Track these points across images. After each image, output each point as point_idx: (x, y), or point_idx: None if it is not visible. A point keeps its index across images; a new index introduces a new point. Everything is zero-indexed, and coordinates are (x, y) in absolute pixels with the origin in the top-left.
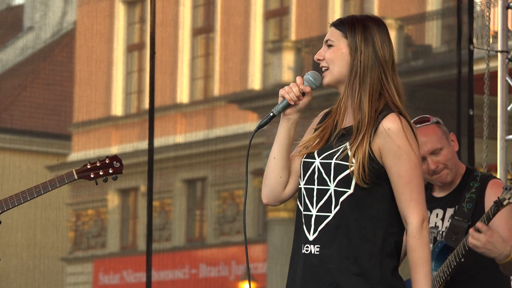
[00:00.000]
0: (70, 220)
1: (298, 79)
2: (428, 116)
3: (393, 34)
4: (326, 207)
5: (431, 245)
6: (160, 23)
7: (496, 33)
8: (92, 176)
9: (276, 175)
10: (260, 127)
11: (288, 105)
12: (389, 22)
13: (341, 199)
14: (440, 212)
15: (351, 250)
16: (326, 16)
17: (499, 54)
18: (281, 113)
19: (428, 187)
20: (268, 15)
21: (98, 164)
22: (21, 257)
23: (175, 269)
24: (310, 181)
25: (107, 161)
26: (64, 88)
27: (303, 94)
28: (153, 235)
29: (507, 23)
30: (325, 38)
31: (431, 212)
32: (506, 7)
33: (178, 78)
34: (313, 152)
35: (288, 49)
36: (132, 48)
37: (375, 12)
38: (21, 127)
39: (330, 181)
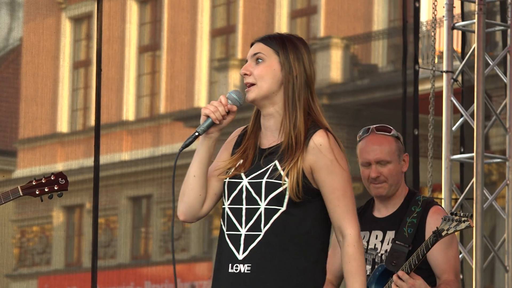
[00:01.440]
0: (15, 236)
1: (223, 98)
2: (391, 128)
3: (339, 53)
4: (256, 226)
5: (370, 267)
6: (107, 40)
7: (442, 53)
8: (37, 192)
9: (195, 192)
10: (185, 146)
11: (212, 124)
12: (335, 41)
13: (274, 217)
14: (380, 234)
15: (285, 267)
16: None
17: (444, 75)
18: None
19: (370, 206)
20: (215, 33)
21: (43, 181)
22: None
23: (120, 286)
24: (237, 201)
25: (52, 178)
26: (10, 104)
27: (227, 112)
28: (98, 252)
29: (452, 43)
30: (252, 52)
31: (370, 233)
32: (451, 28)
33: (124, 95)
34: (240, 173)
35: (235, 67)
36: (78, 65)
37: (321, 31)
38: None
39: (260, 200)
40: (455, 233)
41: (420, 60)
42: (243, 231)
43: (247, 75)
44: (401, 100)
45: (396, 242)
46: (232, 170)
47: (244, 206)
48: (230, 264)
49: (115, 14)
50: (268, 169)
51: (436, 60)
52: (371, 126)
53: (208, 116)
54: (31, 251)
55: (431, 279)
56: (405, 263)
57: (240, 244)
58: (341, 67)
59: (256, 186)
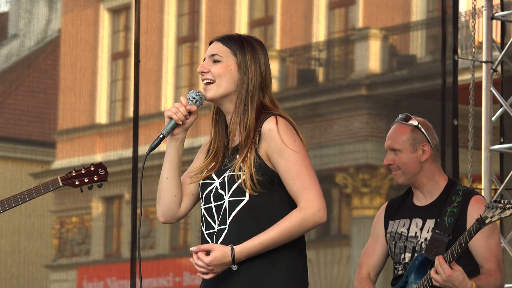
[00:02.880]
0: (55, 227)
1: (183, 99)
2: (411, 117)
3: (377, 44)
4: (224, 220)
5: (410, 255)
6: (145, 31)
7: (481, 43)
8: (77, 183)
9: (171, 194)
10: (151, 149)
11: (176, 125)
12: (374, 32)
13: (237, 208)
14: (419, 222)
15: (253, 257)
16: (311, 26)
17: (483, 65)
18: (169, 134)
19: (409, 194)
20: (253, 24)
21: (83, 172)
22: (5, 264)
23: (159, 277)
24: (207, 200)
25: (92, 169)
26: (49, 95)
27: (190, 113)
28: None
29: (491, 33)
30: (210, 52)
31: (411, 221)
32: (490, 18)
33: (162, 86)
34: (211, 175)
35: (273, 58)
36: (117, 56)
37: (360, 21)
38: (5, 135)
39: (225, 194)
40: (497, 221)
41: (459, 50)
42: (216, 227)
43: (205, 72)
44: (440, 90)
45: (436, 231)
46: (204, 172)
47: (213, 204)
48: None
49: (153, 5)
50: (231, 165)
51: (475, 50)
52: (399, 115)
53: (171, 118)
54: (70, 242)
55: (471, 268)
56: (446, 251)
57: (213, 240)
58: (379, 57)
59: (222, 183)
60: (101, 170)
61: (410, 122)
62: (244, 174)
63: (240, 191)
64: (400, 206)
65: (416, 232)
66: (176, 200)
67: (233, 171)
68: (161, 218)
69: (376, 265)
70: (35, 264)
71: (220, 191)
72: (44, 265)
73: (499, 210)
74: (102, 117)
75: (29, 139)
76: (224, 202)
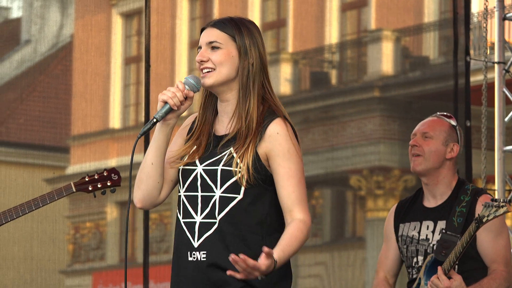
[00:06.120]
0: (69, 232)
1: (180, 84)
2: (452, 116)
3: (390, 46)
4: (211, 214)
5: (422, 258)
6: (156, 36)
7: (493, 44)
8: (90, 188)
9: (154, 180)
10: (143, 133)
11: (170, 110)
12: (386, 34)
13: (230, 205)
14: (430, 224)
15: (239, 255)
16: (323, 28)
17: (496, 66)
18: (163, 119)
19: (419, 196)
20: (265, 27)
21: (96, 177)
22: (18, 270)
23: None
24: (192, 188)
25: (105, 174)
26: (61, 101)
27: (185, 98)
28: (152, 247)
29: (503, 34)
30: (207, 40)
31: (421, 224)
32: (502, 18)
33: None
34: (194, 160)
35: (285, 61)
36: (130, 60)
37: (372, 24)
38: (17, 140)
39: (216, 188)
40: (506, 223)
41: (471, 51)
42: (198, 218)
43: (204, 61)
44: (452, 92)
45: (446, 232)
46: (186, 158)
47: (199, 194)
48: (188, 252)
49: (164, 10)
50: (223, 156)
51: (488, 51)
52: (438, 113)
53: (165, 102)
54: (84, 247)
55: (480, 271)
56: (451, 253)
57: (195, 232)
58: (392, 59)
59: (212, 174)
60: (114, 175)
61: (451, 120)
62: (240, 171)
63: (234, 188)
64: (410, 208)
65: (427, 235)
66: (158, 187)
67: (229, 166)
68: (138, 203)
69: (392, 268)
70: (47, 270)
71: (209, 182)
72: (58, 270)
73: (494, 209)
74: (115, 122)
75: (41, 144)
76: (214, 195)
